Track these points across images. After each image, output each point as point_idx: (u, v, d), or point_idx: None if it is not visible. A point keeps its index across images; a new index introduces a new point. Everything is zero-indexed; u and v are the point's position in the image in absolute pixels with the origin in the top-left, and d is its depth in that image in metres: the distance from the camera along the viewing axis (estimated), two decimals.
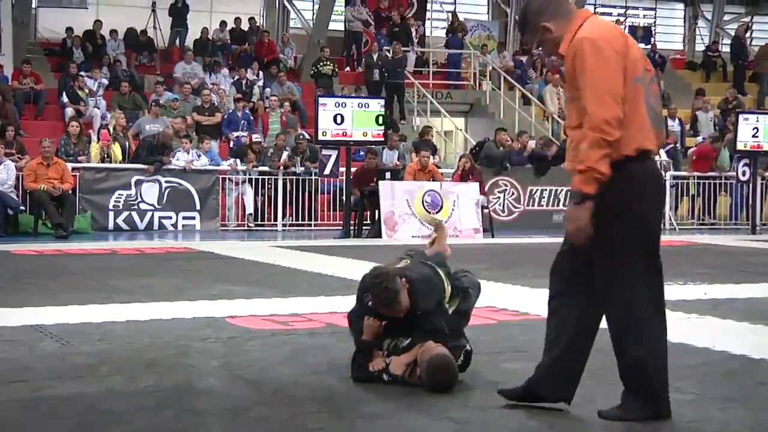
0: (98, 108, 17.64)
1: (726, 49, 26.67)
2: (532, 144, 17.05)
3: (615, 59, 3.61)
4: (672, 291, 7.93)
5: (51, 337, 5.57)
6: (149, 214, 14.92)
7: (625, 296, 3.70)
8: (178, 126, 16.17)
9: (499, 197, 16.27)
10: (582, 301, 3.83)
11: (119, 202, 14.77)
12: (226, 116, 17.82)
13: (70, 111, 17.38)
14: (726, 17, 28.92)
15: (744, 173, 16.45)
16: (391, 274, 4.38)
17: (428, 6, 25.98)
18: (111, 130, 15.84)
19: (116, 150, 15.34)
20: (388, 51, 20.75)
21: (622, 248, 3.69)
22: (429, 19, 26.17)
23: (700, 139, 19.32)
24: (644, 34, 28.29)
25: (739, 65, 24.80)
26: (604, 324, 3.88)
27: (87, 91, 17.89)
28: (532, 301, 7.26)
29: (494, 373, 4.42)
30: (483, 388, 4.28)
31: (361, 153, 16.12)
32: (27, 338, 5.52)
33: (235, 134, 17.39)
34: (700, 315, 6.62)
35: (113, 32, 20.90)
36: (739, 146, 16.11)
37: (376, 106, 14.46)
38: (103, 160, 15.15)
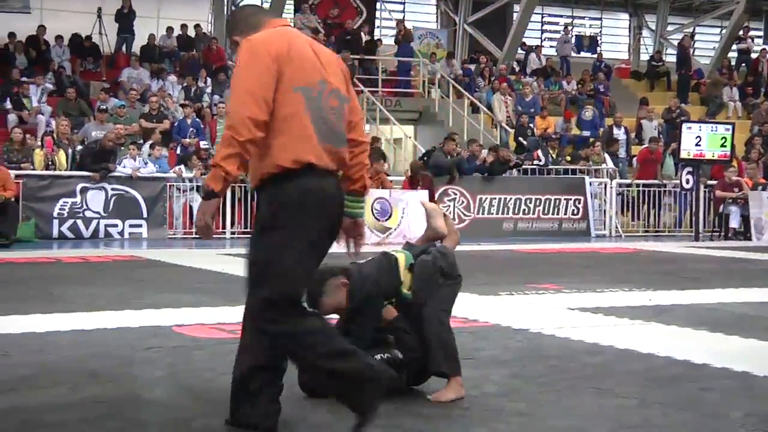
0: (42, 114, 17.38)
1: (669, 58, 27.12)
2: (484, 153, 17.17)
3: (267, 62, 3.45)
4: (617, 297, 8.07)
5: None
6: (95, 221, 14.73)
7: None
8: (121, 133, 15.98)
9: (449, 205, 16.33)
10: None
11: (64, 209, 14.56)
12: (176, 123, 17.65)
13: (12, 117, 17.11)
14: (669, 27, 29.41)
15: (687, 181, 16.71)
16: (323, 275, 4.20)
17: (377, 14, 26.05)
18: (55, 136, 15.62)
19: (61, 157, 15.12)
20: None
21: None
22: (378, 27, 26.23)
23: (644, 147, 19.59)
24: (590, 43, 28.68)
25: (683, 75, 25.22)
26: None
27: (31, 98, 17.61)
28: (480, 307, 7.30)
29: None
30: (431, 394, 4.27)
31: None
32: None
33: (186, 141, 17.24)
34: (645, 321, 6.70)
35: (58, 38, 20.62)
36: (683, 155, 16.38)
37: None
38: (47, 168, 14.93)
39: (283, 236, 3.45)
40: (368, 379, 3.48)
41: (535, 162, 17.91)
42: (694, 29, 29.42)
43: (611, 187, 17.53)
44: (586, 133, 20.81)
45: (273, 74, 3.46)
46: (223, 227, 15.51)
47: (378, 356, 4.17)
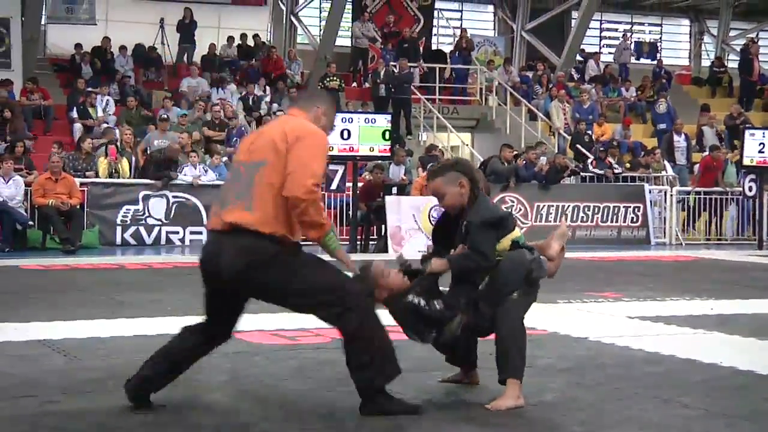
0: (107, 123, 17.72)
1: (732, 64, 26.68)
2: (543, 160, 17.09)
3: None
4: (679, 306, 7.99)
5: (58, 351, 5.60)
6: (157, 228, 14.96)
7: None
8: (184, 141, 16.24)
9: None
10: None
11: (127, 216, 14.82)
12: (235, 130, 17.78)
13: (78, 126, 17.47)
14: (732, 33, 28.96)
15: (750, 188, 16.44)
16: (446, 165, 4.51)
17: (434, 22, 26.09)
18: (119, 145, 15.91)
19: (124, 165, 15.40)
20: (395, 66, 20.82)
21: None
22: (435, 35, 26.27)
23: (705, 154, 19.33)
24: (650, 50, 28.35)
25: (745, 80, 24.76)
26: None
27: (97, 107, 17.96)
28: (537, 315, 7.22)
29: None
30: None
31: (362, 169, 16.05)
32: (34, 353, 5.54)
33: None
34: (708, 330, 6.63)
35: (122, 48, 21.02)
36: (746, 161, 16.11)
37: (383, 121, 14.50)
38: (111, 176, 15.21)
39: None
40: None
41: (616, 171, 17.72)
42: (757, 34, 28.92)
43: (671, 195, 17.33)
44: (662, 126, 20.74)
45: None
46: None
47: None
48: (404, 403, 4.12)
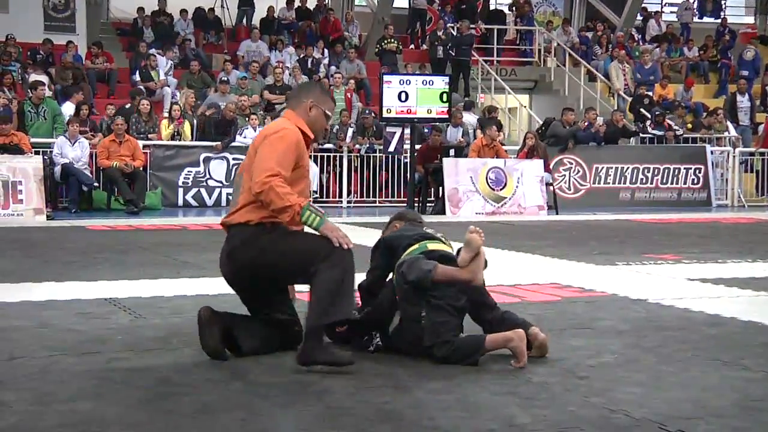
0: (168, 86, 17.91)
1: None
2: (600, 121, 16.91)
3: None
4: (740, 268, 7.89)
5: (124, 309, 5.71)
6: (217, 190, 15.16)
7: None
8: (243, 104, 16.35)
9: (564, 175, 16.16)
10: None
11: (188, 178, 15.04)
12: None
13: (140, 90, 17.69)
14: None
15: None
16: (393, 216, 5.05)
17: None
18: (181, 108, 16.09)
19: (185, 128, 15.59)
20: (453, 28, 20.66)
21: None
22: None
23: None
24: (713, 8, 27.70)
25: None
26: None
27: (159, 70, 18.14)
28: (596, 277, 7.25)
29: (559, 350, 4.42)
30: (548, 364, 4.28)
31: (425, 130, 16.09)
32: (101, 311, 5.66)
33: None
34: None
35: (183, 12, 21.18)
36: None
37: (441, 83, 14.45)
38: (172, 138, 15.41)
39: None
40: None
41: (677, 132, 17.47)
42: None
43: (734, 156, 17.03)
44: (744, 72, 20.44)
45: None
46: (340, 196, 15.72)
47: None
48: (336, 354, 4.19)
